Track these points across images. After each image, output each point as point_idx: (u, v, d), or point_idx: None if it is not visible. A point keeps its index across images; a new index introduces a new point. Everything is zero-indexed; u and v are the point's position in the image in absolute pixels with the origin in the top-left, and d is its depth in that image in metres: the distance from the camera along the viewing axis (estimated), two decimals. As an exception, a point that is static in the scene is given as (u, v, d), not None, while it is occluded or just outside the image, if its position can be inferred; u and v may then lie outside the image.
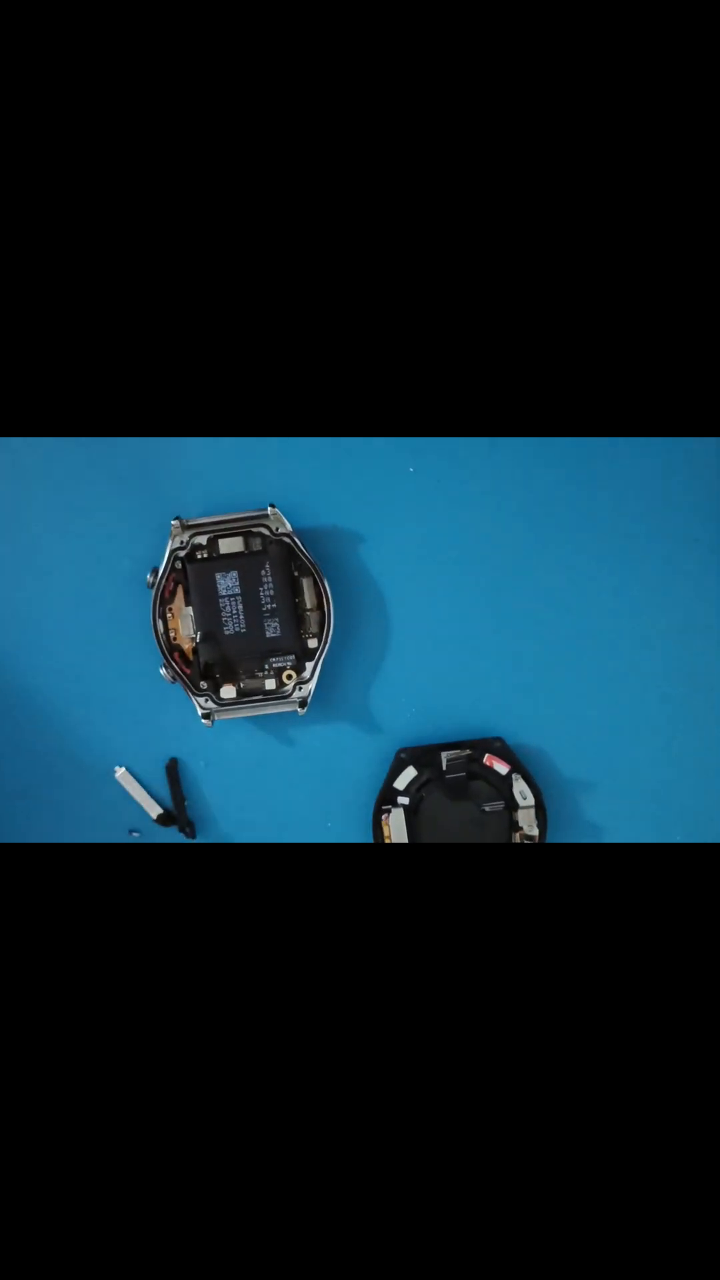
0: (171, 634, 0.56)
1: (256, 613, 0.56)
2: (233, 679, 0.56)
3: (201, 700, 0.56)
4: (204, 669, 0.56)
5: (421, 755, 0.58)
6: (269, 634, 0.56)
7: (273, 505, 0.56)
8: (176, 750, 0.58)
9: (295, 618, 0.56)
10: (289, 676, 0.56)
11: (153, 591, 0.56)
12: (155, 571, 0.56)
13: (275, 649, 0.56)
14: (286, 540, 0.56)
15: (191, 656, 0.56)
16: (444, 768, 0.57)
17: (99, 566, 0.58)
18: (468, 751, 0.58)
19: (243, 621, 0.56)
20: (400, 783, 0.58)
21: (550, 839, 0.58)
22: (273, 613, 0.56)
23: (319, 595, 0.57)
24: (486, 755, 0.58)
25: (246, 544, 0.56)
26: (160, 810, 0.58)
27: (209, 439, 0.58)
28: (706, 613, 0.59)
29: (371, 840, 0.58)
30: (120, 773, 0.58)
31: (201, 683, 0.56)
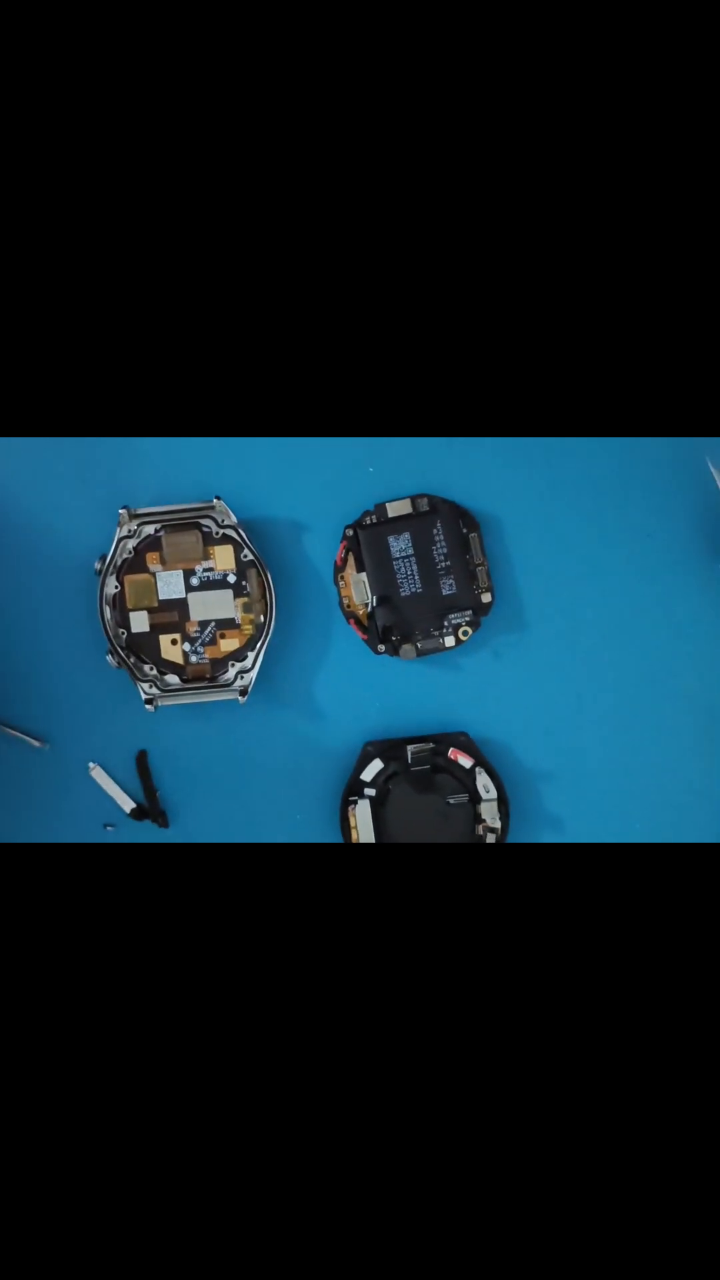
0: (345, 602, 0.59)
1: (431, 572, 0.59)
2: (409, 640, 0.59)
3: (145, 686, 0.57)
4: (382, 632, 0.59)
5: (387, 749, 0.59)
6: (445, 592, 0.59)
7: (218, 498, 0.58)
8: (146, 742, 0.60)
9: (468, 574, 0.59)
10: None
11: (99, 579, 0.57)
12: (103, 558, 0.57)
13: (454, 606, 0.59)
14: (232, 532, 0.57)
15: (366, 622, 0.59)
16: (409, 761, 0.59)
17: (55, 564, 0.59)
18: (432, 745, 0.59)
19: (418, 582, 0.59)
20: (367, 775, 0.59)
21: (512, 831, 0.60)
22: (447, 570, 0.59)
23: (261, 586, 0.58)
24: (451, 749, 0.59)
25: (414, 505, 0.59)
26: (134, 805, 0.60)
27: (162, 439, 0.59)
28: (668, 608, 0.60)
29: (338, 829, 0.60)
30: (94, 769, 0.60)
31: (379, 645, 0.59)
